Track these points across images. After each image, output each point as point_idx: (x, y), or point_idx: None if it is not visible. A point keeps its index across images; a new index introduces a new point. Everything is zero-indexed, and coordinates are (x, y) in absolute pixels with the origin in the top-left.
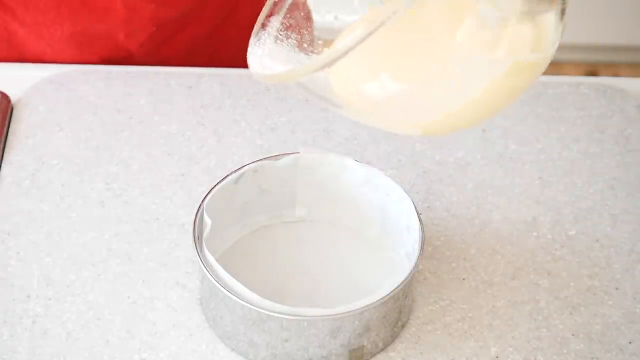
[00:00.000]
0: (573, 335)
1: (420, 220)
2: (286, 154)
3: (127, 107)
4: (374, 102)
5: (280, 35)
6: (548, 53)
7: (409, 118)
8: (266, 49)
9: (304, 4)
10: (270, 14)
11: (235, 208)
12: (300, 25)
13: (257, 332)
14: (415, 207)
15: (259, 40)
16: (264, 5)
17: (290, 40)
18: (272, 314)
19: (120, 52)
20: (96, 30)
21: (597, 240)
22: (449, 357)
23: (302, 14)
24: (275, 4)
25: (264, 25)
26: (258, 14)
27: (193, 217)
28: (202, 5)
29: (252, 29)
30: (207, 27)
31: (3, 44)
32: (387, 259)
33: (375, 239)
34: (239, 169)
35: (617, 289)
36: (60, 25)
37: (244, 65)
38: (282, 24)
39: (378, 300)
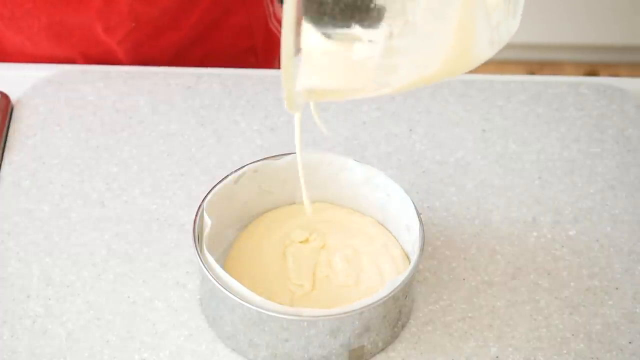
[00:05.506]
0: (573, 335)
1: (420, 220)
2: (286, 154)
3: (126, 107)
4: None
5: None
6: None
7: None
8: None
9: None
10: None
11: (235, 208)
12: None
13: (257, 332)
14: (415, 207)
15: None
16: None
17: None
18: (272, 314)
19: (101, 47)
20: (73, 22)
21: (597, 240)
22: (449, 357)
23: None
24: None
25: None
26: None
27: (193, 217)
28: (187, 8)
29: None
30: (195, 32)
31: None
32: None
33: None
34: (239, 169)
35: (617, 289)
36: (37, 17)
37: None
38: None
39: (378, 300)
